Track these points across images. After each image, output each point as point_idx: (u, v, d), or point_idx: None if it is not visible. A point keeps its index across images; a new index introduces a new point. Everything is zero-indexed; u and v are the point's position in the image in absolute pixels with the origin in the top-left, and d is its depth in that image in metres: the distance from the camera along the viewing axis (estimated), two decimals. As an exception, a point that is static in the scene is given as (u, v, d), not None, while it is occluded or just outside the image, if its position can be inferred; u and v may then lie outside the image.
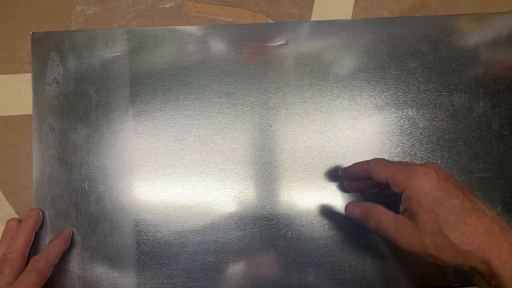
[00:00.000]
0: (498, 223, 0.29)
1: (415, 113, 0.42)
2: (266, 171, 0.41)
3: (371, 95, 0.42)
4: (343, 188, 0.41)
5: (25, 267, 0.36)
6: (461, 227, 0.29)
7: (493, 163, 0.42)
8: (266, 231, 0.40)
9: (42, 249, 0.39)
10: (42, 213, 0.40)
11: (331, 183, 0.41)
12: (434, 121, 0.42)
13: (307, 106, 0.42)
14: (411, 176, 0.31)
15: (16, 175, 0.41)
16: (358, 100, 0.42)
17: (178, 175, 0.41)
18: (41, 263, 0.37)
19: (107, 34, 0.42)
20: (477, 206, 0.30)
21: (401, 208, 0.32)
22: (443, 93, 0.42)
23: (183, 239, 0.40)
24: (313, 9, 0.44)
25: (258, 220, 0.40)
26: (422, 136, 0.42)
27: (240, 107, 0.41)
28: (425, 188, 0.30)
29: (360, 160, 0.37)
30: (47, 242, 0.39)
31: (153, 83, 0.41)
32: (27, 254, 0.38)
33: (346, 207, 0.37)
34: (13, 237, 0.38)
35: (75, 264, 0.40)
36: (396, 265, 0.40)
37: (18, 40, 0.42)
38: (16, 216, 0.41)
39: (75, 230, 0.40)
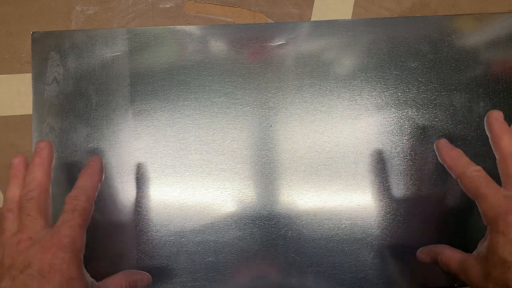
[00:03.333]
0: None
1: (415, 113, 0.42)
2: (266, 171, 0.41)
3: (371, 95, 0.42)
4: (343, 189, 0.41)
5: (50, 207, 0.31)
6: None
7: (493, 163, 0.41)
8: (266, 231, 0.40)
9: (75, 184, 0.32)
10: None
11: (331, 183, 0.41)
12: (434, 121, 0.42)
13: (307, 106, 0.42)
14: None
15: (16, 175, 0.41)
16: (358, 100, 0.42)
17: (178, 175, 0.41)
18: (82, 200, 0.30)
19: (107, 33, 0.42)
20: None
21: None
22: (443, 93, 0.42)
23: (183, 239, 0.40)
24: (313, 9, 0.44)
25: (258, 220, 0.40)
26: (422, 136, 0.42)
27: (240, 107, 0.41)
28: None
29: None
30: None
31: (153, 83, 0.41)
32: (50, 191, 0.32)
33: (417, 255, 0.38)
34: (29, 173, 0.31)
35: (75, 264, 0.40)
36: (396, 265, 0.40)
37: (18, 40, 0.42)
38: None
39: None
